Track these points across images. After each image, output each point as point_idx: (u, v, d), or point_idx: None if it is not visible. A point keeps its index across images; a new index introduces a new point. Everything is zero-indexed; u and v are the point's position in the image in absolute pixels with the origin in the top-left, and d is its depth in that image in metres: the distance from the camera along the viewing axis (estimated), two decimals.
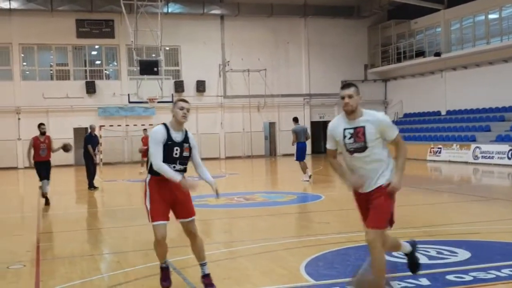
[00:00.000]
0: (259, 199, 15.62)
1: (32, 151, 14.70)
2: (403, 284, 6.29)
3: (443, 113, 34.31)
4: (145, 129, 25.64)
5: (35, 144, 14.67)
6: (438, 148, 29.02)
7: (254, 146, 36.19)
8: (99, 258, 8.63)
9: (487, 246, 8.37)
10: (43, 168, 14.67)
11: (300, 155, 19.41)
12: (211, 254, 8.26)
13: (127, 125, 34.23)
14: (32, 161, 14.72)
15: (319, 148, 40.04)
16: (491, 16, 31.31)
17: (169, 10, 34.68)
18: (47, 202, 14.68)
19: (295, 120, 20.25)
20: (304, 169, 19.40)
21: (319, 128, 39.91)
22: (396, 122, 37.48)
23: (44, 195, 14.72)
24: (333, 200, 14.79)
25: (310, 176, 19.35)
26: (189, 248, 8.97)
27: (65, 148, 14.65)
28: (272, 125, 38.01)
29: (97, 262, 8.23)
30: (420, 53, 35.82)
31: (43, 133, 14.77)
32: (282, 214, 12.52)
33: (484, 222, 10.56)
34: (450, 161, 27.51)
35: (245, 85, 36.61)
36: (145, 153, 23.19)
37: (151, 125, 34.72)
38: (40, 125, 14.95)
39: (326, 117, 39.20)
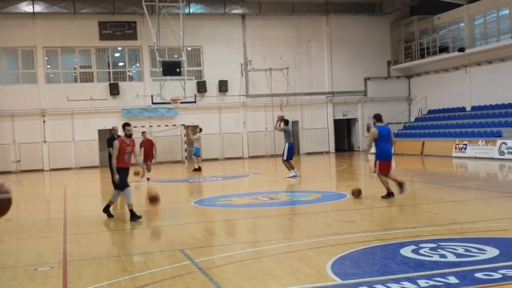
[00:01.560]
0: (284, 198, 15.61)
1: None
2: (431, 283, 6.21)
3: (468, 109, 33.94)
4: (143, 132, 24.07)
5: (121, 147, 12.34)
6: (464, 144, 28.71)
7: (277, 145, 36.04)
8: (126, 259, 8.65)
9: None
10: (125, 176, 12.49)
11: (291, 155, 20.68)
12: (236, 254, 8.28)
13: (150, 126, 34.41)
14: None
15: (343, 146, 39.97)
16: None
17: (191, 11, 34.78)
18: (134, 217, 12.14)
19: (286, 122, 21.09)
20: (288, 167, 20.47)
21: (343, 126, 39.85)
22: (420, 119, 37.20)
23: (130, 208, 12.23)
24: (359, 198, 14.70)
25: (294, 176, 20.32)
26: (215, 248, 9.05)
27: (153, 199, 12.80)
28: (295, 123, 37.86)
29: (123, 263, 8.25)
30: (444, 49, 35.46)
31: (129, 136, 12.49)
32: (307, 213, 12.47)
33: None
34: (475, 157, 27.20)
35: (268, 84, 36.57)
36: (146, 157, 22.79)
37: (174, 125, 34.92)
38: (126, 126, 12.59)
39: (350, 115, 39.08)
